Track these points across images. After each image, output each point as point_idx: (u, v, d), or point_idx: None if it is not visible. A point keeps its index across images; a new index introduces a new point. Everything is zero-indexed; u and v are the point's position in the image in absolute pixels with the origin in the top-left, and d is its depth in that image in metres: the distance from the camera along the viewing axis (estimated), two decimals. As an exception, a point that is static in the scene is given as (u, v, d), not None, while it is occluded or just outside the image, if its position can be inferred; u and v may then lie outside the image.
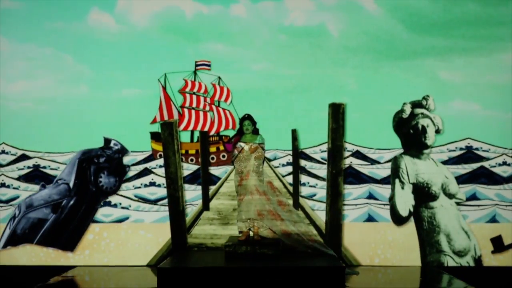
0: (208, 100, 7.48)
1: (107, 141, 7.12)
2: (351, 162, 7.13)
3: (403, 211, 6.79)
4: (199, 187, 7.14)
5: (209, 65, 7.30)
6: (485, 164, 7.06)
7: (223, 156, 7.46)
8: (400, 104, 6.82)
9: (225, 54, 7.38)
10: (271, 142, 6.76)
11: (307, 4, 7.40)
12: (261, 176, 6.12)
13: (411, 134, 6.81)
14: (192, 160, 7.34)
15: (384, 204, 6.94)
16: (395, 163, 6.90)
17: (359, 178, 7.13)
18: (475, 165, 7.08)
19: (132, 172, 7.17)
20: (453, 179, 6.89)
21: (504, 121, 7.05)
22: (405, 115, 6.77)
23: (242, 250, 5.91)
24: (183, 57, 7.29)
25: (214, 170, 7.31)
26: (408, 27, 7.31)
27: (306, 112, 7.16)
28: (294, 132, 7.09)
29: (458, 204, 6.89)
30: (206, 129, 7.44)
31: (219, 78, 7.34)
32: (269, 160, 7.20)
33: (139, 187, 7.16)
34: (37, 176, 7.19)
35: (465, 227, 6.82)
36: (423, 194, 6.79)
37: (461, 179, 7.00)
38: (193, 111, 7.48)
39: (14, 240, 6.93)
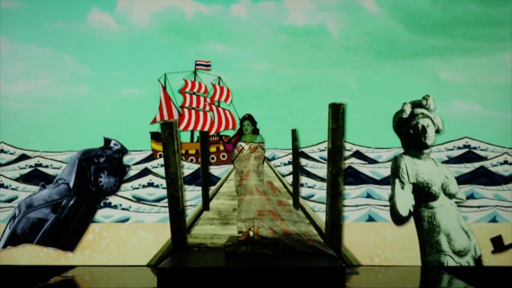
0: (208, 100, 7.48)
1: (107, 141, 7.12)
2: (351, 163, 7.13)
3: (403, 211, 6.79)
4: (197, 188, 7.13)
5: (209, 65, 7.30)
6: (486, 163, 7.06)
7: (223, 156, 7.46)
8: (400, 104, 6.81)
9: (225, 54, 7.38)
10: (271, 142, 6.75)
11: (307, 4, 7.40)
12: (261, 176, 6.12)
13: (411, 134, 6.81)
14: (192, 160, 7.34)
15: (385, 205, 6.94)
16: (395, 163, 6.90)
17: (358, 178, 7.12)
18: (474, 165, 7.07)
19: (132, 171, 7.17)
20: (453, 179, 6.88)
21: (504, 121, 7.05)
22: (405, 115, 6.77)
23: (242, 250, 5.90)
24: (183, 57, 7.30)
25: (216, 170, 7.30)
26: (408, 27, 7.31)
27: (306, 112, 7.16)
28: (294, 132, 7.09)
29: (458, 205, 6.88)
30: (206, 129, 7.44)
31: (219, 78, 7.34)
32: (268, 159, 7.20)
33: (137, 188, 7.16)
34: (36, 176, 7.19)
35: (465, 227, 6.81)
36: (423, 194, 6.78)
37: (461, 179, 6.99)
38: (193, 111, 7.48)
39: (14, 240, 6.93)
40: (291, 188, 7.15)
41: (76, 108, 7.25)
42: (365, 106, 7.09)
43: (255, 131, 6.18)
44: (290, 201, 6.79)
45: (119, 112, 7.22)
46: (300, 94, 7.23)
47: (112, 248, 6.98)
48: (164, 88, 7.30)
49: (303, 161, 7.16)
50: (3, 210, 7.07)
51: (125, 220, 7.05)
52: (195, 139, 7.43)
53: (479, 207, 6.94)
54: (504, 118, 7.05)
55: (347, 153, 7.06)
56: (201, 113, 7.50)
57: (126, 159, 7.17)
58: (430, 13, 7.28)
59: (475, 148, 7.09)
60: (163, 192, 7.05)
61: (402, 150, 6.96)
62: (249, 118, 6.15)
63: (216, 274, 5.51)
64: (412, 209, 6.80)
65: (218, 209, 7.30)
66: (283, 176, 7.28)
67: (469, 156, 7.09)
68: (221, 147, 7.50)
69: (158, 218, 7.03)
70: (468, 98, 7.15)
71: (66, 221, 6.96)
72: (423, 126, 6.77)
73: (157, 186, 7.17)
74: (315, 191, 7.10)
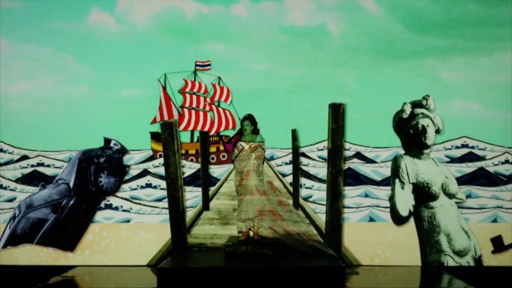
0: (208, 100, 7.48)
1: (107, 141, 7.12)
2: (352, 162, 7.12)
3: (403, 211, 6.79)
4: (195, 188, 7.13)
5: (209, 65, 7.30)
6: (487, 162, 7.05)
7: (223, 156, 7.45)
8: (400, 104, 6.81)
9: (225, 54, 7.38)
10: (270, 142, 6.74)
11: (307, 4, 7.40)
12: (261, 176, 6.12)
13: (411, 134, 6.81)
14: (192, 160, 7.34)
15: (386, 207, 6.93)
16: (395, 163, 6.90)
17: (358, 179, 7.11)
18: (476, 164, 7.07)
19: (131, 171, 7.17)
20: (453, 179, 6.88)
21: (504, 121, 7.04)
22: (405, 115, 6.77)
23: (242, 250, 5.90)
24: (183, 57, 7.29)
25: (217, 169, 7.30)
26: (408, 27, 7.31)
27: (306, 112, 7.16)
28: (294, 132, 7.09)
29: (459, 206, 6.88)
30: (206, 129, 7.44)
31: (219, 78, 7.34)
32: (267, 159, 7.19)
33: (135, 189, 7.15)
34: (36, 178, 7.18)
35: (465, 227, 6.81)
36: (423, 194, 6.78)
37: (460, 180, 6.99)
38: (193, 111, 7.48)
39: (14, 240, 6.93)
40: (291, 188, 7.15)
41: (76, 108, 7.26)
42: (365, 106, 7.09)
43: (255, 131, 6.18)
44: (290, 201, 6.79)
45: (119, 112, 7.22)
46: (300, 94, 7.23)
47: (112, 248, 6.98)
48: (164, 88, 7.30)
49: (302, 161, 7.15)
50: (3, 212, 7.07)
51: (126, 221, 7.05)
52: (195, 139, 7.43)
53: (480, 208, 6.93)
54: (504, 118, 7.04)
55: (348, 154, 7.06)
56: (201, 113, 7.50)
57: (125, 159, 7.17)
58: (430, 13, 7.28)
59: (473, 147, 7.09)
60: (162, 193, 7.05)
61: (400, 150, 6.96)
62: (249, 118, 6.15)
63: (216, 274, 5.51)
64: (412, 209, 6.80)
65: (218, 209, 7.30)
66: (284, 176, 7.27)
67: (469, 156, 7.09)
68: (221, 147, 7.50)
69: (159, 220, 7.03)
70: (468, 98, 7.14)
71: (66, 221, 6.96)
72: (423, 126, 6.77)
73: (155, 187, 7.17)
74: (313, 192, 7.09)
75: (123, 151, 7.14)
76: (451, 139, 7.06)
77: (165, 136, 6.79)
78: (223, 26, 7.43)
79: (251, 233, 6.15)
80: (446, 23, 7.25)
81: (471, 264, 6.74)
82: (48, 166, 7.21)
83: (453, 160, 7.05)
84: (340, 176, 6.72)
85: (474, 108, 7.13)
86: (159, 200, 7.09)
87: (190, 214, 7.06)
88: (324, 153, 6.96)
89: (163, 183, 7.05)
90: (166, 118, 7.29)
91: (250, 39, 7.41)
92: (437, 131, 6.86)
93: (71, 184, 7.02)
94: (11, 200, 7.11)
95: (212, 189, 7.29)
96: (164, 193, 7.00)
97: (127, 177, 7.15)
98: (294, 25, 7.39)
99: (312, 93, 7.20)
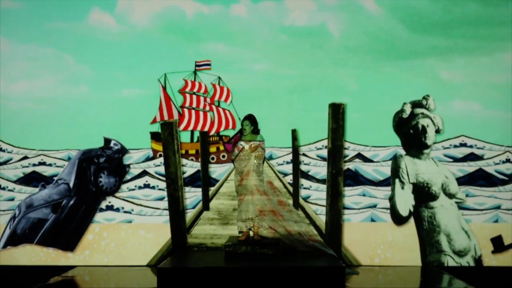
0: (208, 100, 7.48)
1: (107, 141, 7.12)
2: (354, 162, 7.12)
3: (403, 211, 6.79)
4: (193, 189, 7.13)
5: (209, 64, 7.30)
6: (488, 161, 7.05)
7: (223, 156, 7.45)
8: (400, 104, 6.81)
9: (225, 54, 7.38)
10: (270, 142, 6.74)
11: (307, 4, 7.40)
12: (261, 176, 6.12)
13: (411, 134, 6.81)
14: (192, 160, 7.34)
15: (387, 209, 6.93)
16: (395, 163, 6.89)
17: (357, 180, 7.10)
18: (474, 163, 7.07)
19: (132, 171, 7.17)
20: (453, 179, 6.88)
21: (504, 121, 7.04)
22: (405, 115, 6.77)
23: (242, 250, 5.90)
24: (183, 57, 7.29)
25: (219, 168, 7.29)
26: (408, 27, 7.30)
27: (306, 112, 7.16)
28: (294, 132, 7.09)
29: (459, 206, 6.88)
30: (206, 129, 7.44)
31: (219, 78, 7.34)
32: (267, 159, 7.19)
33: (133, 189, 7.15)
34: (35, 178, 7.18)
35: (465, 227, 6.81)
36: (423, 194, 6.78)
37: (460, 180, 6.99)
38: (193, 111, 7.48)
39: (14, 240, 6.93)
40: (291, 188, 7.15)
41: (76, 108, 7.26)
42: (365, 106, 7.09)
43: (256, 131, 6.18)
44: (290, 201, 6.79)
45: (119, 112, 7.22)
46: (300, 94, 7.22)
47: (112, 248, 6.97)
48: (164, 88, 7.30)
49: (302, 159, 7.15)
50: (3, 212, 7.07)
51: (128, 223, 7.05)
52: (195, 139, 7.43)
53: (481, 210, 6.93)
54: (504, 118, 7.04)
55: (348, 155, 7.05)
56: (201, 113, 7.50)
57: (125, 158, 7.17)
58: (431, 13, 7.28)
59: (471, 146, 7.09)
60: (161, 193, 7.05)
61: (399, 148, 6.95)
62: (249, 118, 6.16)
63: (216, 274, 5.51)
64: (412, 209, 6.80)
65: (218, 209, 7.30)
66: (284, 175, 7.27)
67: (468, 155, 7.08)
68: (221, 147, 7.50)
69: (161, 221, 7.02)
70: (468, 98, 7.14)
71: (66, 221, 6.96)
72: (423, 126, 6.77)
73: (153, 188, 7.17)
74: (311, 192, 7.09)
75: (123, 151, 7.14)
76: (449, 138, 7.05)
77: (165, 136, 6.80)
78: (223, 26, 7.43)
79: (251, 233, 6.14)
80: (446, 23, 7.25)
81: (471, 264, 6.74)
82: (50, 165, 7.20)
83: (451, 159, 7.04)
84: (340, 176, 6.72)
85: (474, 108, 7.13)
86: (159, 199, 7.08)
87: (190, 214, 7.06)
88: (323, 152, 6.96)
89: (163, 184, 7.04)
90: (166, 118, 7.29)
91: (250, 39, 7.41)
92: (437, 131, 6.86)
93: (71, 184, 7.02)
94: (10, 200, 7.11)
95: (212, 189, 7.29)
96: (164, 193, 7.00)
97: (127, 177, 7.14)
98: (294, 25, 7.39)
99: (312, 93, 7.20)
